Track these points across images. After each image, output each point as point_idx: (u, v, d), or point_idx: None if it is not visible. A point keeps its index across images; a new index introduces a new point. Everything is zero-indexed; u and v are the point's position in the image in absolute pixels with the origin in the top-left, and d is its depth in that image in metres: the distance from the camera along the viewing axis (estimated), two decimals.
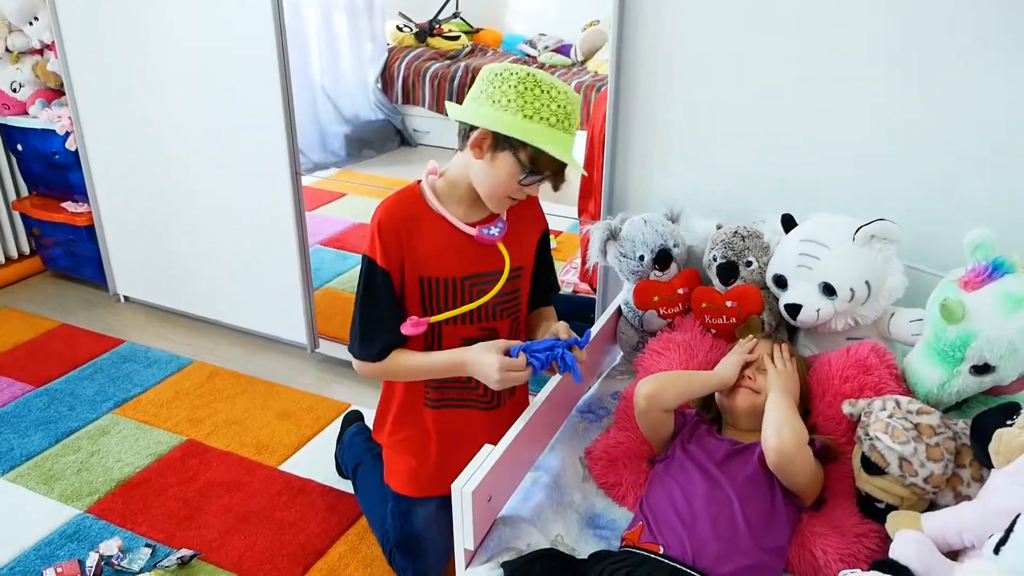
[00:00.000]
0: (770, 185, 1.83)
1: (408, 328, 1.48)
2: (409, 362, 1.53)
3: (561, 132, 1.37)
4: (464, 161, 1.46)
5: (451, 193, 1.51)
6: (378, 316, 1.51)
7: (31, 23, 2.98)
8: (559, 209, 3.43)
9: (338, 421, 2.35)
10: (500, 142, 1.38)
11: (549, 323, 1.60)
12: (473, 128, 1.40)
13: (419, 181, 1.53)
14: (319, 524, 2.00)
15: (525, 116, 1.35)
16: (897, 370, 1.43)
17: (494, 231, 1.51)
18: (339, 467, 2.15)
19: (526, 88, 1.36)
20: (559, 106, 1.37)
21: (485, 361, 1.42)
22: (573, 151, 1.42)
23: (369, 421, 2.20)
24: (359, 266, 1.52)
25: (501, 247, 1.52)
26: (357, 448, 2.05)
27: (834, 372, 1.44)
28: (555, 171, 1.41)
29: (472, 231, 1.49)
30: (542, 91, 1.36)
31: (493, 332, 1.56)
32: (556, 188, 1.45)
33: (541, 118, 1.36)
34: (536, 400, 1.46)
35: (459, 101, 1.45)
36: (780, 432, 1.28)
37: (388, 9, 4.36)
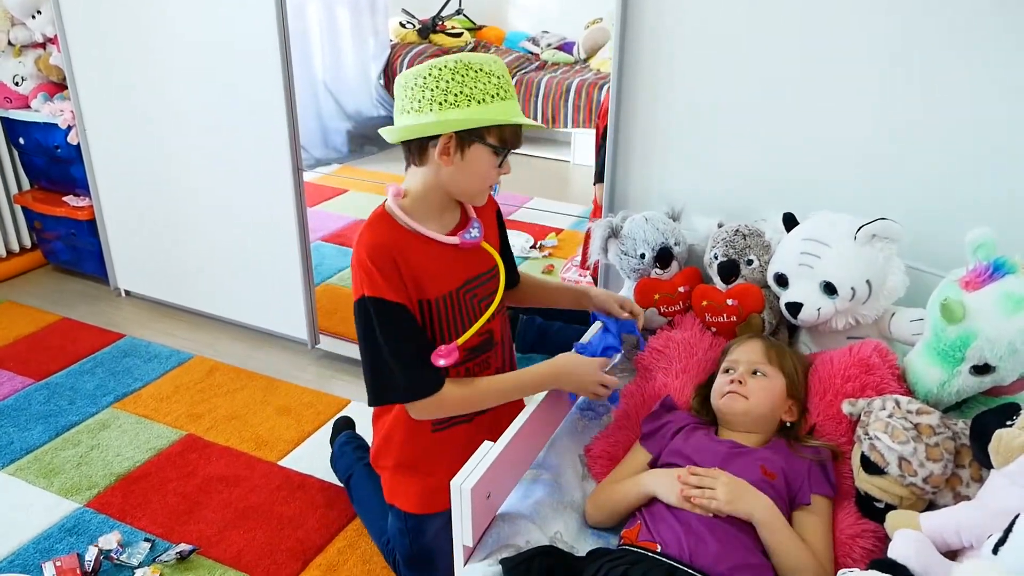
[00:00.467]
0: (771, 184, 1.83)
1: (442, 361, 1.42)
2: (484, 388, 1.48)
3: (512, 101, 1.38)
4: (427, 174, 1.42)
5: (422, 209, 1.46)
6: (416, 354, 1.42)
7: (34, 16, 2.98)
8: (560, 207, 3.43)
9: (338, 417, 2.36)
10: (465, 139, 1.36)
11: (550, 288, 1.67)
12: (430, 140, 1.37)
13: (383, 205, 1.47)
14: (318, 520, 2.01)
15: (479, 103, 1.34)
16: (899, 371, 1.42)
17: (474, 232, 1.49)
18: (334, 468, 2.15)
19: (464, 76, 1.34)
20: (498, 78, 1.36)
21: (581, 363, 1.47)
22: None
23: (359, 427, 2.21)
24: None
25: (486, 246, 1.51)
26: (347, 458, 2.05)
27: (836, 371, 1.43)
28: (519, 140, 1.42)
29: (455, 240, 1.47)
30: (478, 71, 1.34)
31: (490, 333, 1.55)
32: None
33: (492, 96, 1.35)
34: (535, 397, 1.45)
35: None
36: None
37: (391, 5, 4.35)
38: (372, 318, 1.39)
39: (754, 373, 1.43)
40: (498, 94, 1.35)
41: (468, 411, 1.54)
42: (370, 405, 1.46)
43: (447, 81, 1.33)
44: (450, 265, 1.49)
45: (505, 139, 1.39)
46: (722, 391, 1.43)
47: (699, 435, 1.42)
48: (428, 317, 1.47)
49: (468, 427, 1.59)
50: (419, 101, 1.34)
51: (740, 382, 1.42)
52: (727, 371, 1.47)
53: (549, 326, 2.43)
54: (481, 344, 1.53)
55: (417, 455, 1.63)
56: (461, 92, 1.33)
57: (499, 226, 1.65)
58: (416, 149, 1.41)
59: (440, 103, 1.33)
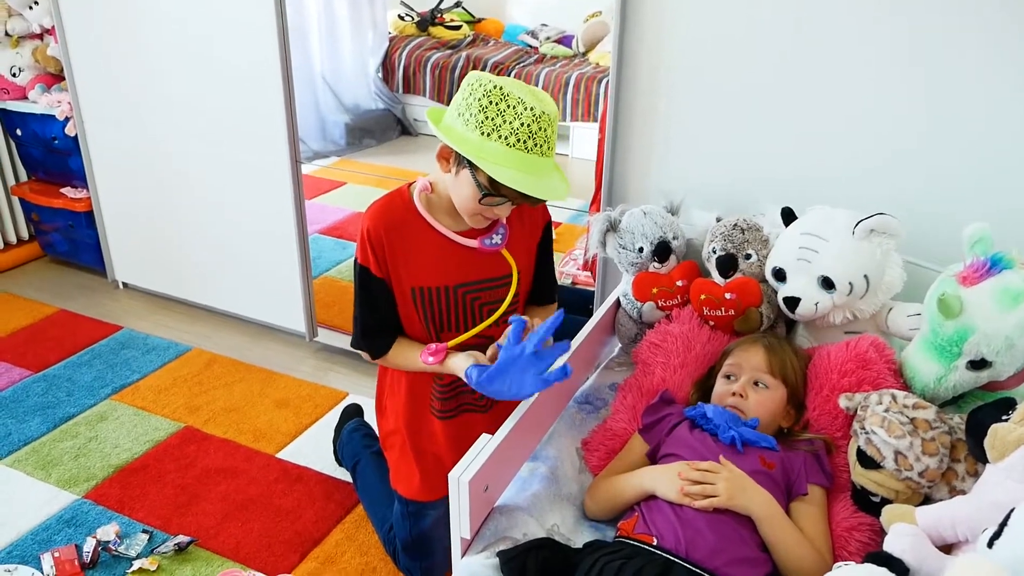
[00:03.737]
0: (770, 178, 1.83)
1: (426, 357, 1.47)
2: (408, 362, 1.55)
3: (521, 152, 1.29)
4: (441, 171, 1.43)
5: (441, 208, 1.47)
6: (378, 321, 1.54)
7: (31, 7, 2.97)
8: (559, 200, 3.43)
9: (336, 409, 2.36)
10: (461, 158, 1.33)
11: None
12: None
13: (410, 184, 1.50)
14: (316, 512, 2.01)
15: (483, 134, 1.29)
16: (896, 365, 1.42)
17: (496, 239, 1.47)
18: (337, 456, 2.15)
19: (490, 102, 1.28)
20: (522, 124, 1.27)
21: (458, 365, 1.45)
22: (544, 173, 1.31)
23: (367, 415, 2.21)
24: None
25: (506, 254, 1.49)
26: (355, 445, 2.05)
27: (833, 366, 1.43)
28: (522, 196, 1.32)
29: (473, 243, 1.46)
30: (507, 106, 1.27)
31: (489, 340, 1.54)
32: (533, 205, 1.39)
33: (499, 136, 1.28)
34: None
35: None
36: None
37: None
38: (357, 280, 1.53)
39: (756, 384, 1.43)
40: (508, 138, 1.28)
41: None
42: (351, 345, 1.60)
43: (476, 99, 1.29)
44: (454, 262, 1.49)
45: (495, 185, 1.31)
46: (723, 400, 1.44)
47: (699, 428, 1.42)
48: (425, 304, 1.50)
49: (484, 417, 1.61)
50: (456, 101, 1.33)
51: (741, 395, 1.42)
52: (728, 376, 1.47)
53: None
54: (478, 347, 1.53)
55: (423, 441, 1.67)
56: (475, 116, 1.29)
57: (542, 239, 1.59)
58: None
59: (459, 113, 1.32)
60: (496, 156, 1.29)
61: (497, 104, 1.28)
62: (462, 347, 1.49)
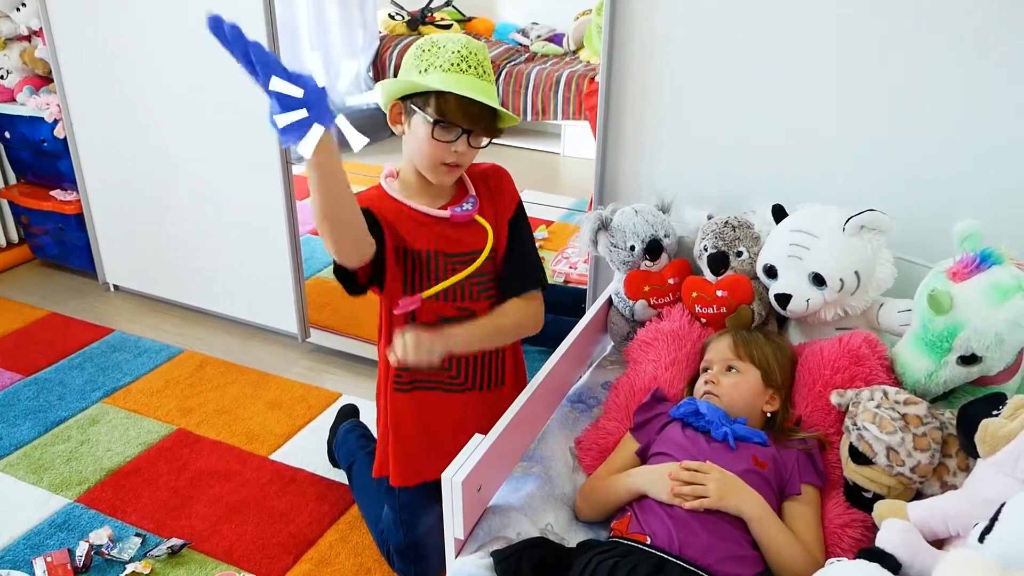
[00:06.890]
0: (761, 175, 1.84)
1: (401, 306, 1.49)
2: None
3: (458, 73, 1.37)
4: (403, 145, 1.49)
5: (410, 187, 1.53)
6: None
7: (18, 9, 2.95)
8: (550, 199, 3.43)
9: (329, 411, 2.36)
10: (409, 108, 1.42)
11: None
12: (392, 107, 1.45)
13: (380, 184, 1.56)
14: (310, 513, 2.01)
15: (420, 72, 1.39)
16: (888, 362, 1.43)
17: (467, 206, 1.53)
18: (331, 457, 2.15)
19: (423, 50, 1.40)
20: (452, 51, 1.38)
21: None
22: (486, 93, 1.39)
23: (363, 415, 2.21)
24: None
25: (481, 219, 1.53)
26: (350, 445, 2.05)
27: (826, 362, 1.43)
28: (471, 118, 1.39)
29: (445, 213, 1.51)
30: (439, 47, 1.39)
31: (471, 313, 1.55)
32: (491, 136, 1.44)
33: (435, 67, 1.38)
34: (527, 389, 1.46)
35: None
36: None
37: None
38: None
39: (728, 370, 1.45)
40: (442, 66, 1.37)
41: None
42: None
43: (411, 53, 1.41)
44: (438, 235, 1.52)
45: (444, 111, 1.39)
46: (699, 392, 1.46)
47: (690, 427, 1.42)
48: (411, 264, 1.52)
49: (431, 394, 1.63)
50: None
51: (714, 382, 1.44)
52: (705, 371, 1.49)
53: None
54: (457, 319, 1.53)
55: (392, 418, 1.66)
56: (412, 64, 1.40)
57: (514, 216, 1.62)
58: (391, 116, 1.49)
59: (399, 75, 1.43)
60: (437, 82, 1.37)
61: (429, 49, 1.40)
62: (437, 315, 1.53)
